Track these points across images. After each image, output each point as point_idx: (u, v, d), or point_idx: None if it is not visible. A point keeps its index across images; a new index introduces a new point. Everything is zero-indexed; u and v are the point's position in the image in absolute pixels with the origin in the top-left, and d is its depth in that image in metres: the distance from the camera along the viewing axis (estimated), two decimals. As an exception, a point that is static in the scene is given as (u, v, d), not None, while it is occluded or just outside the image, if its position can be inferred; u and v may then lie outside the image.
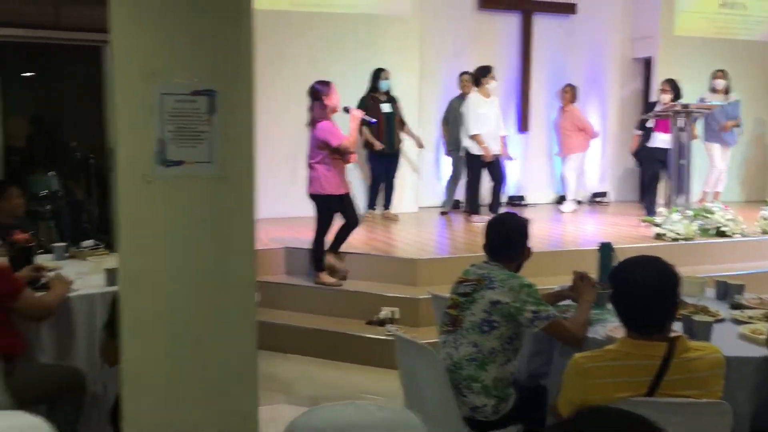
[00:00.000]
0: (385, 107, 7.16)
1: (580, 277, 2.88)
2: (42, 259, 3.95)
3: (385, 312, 4.97)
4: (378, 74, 7.19)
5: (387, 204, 7.52)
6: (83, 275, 3.67)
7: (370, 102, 7.01)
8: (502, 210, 7.25)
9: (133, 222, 2.34)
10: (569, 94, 8.43)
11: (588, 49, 9.56)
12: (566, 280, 3.13)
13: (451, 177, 8.02)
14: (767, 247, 6.75)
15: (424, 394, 2.65)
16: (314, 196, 5.07)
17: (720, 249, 6.62)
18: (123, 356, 2.37)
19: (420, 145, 7.63)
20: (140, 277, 2.35)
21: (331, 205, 5.06)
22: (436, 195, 8.40)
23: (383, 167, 7.34)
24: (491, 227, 2.85)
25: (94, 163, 6.32)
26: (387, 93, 7.23)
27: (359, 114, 5.25)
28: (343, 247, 5.45)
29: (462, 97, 7.71)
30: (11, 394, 2.81)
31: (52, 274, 3.42)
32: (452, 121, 7.78)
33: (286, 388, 4.40)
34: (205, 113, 2.36)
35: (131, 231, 2.34)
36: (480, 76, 7.18)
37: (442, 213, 7.98)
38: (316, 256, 5.22)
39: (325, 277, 5.29)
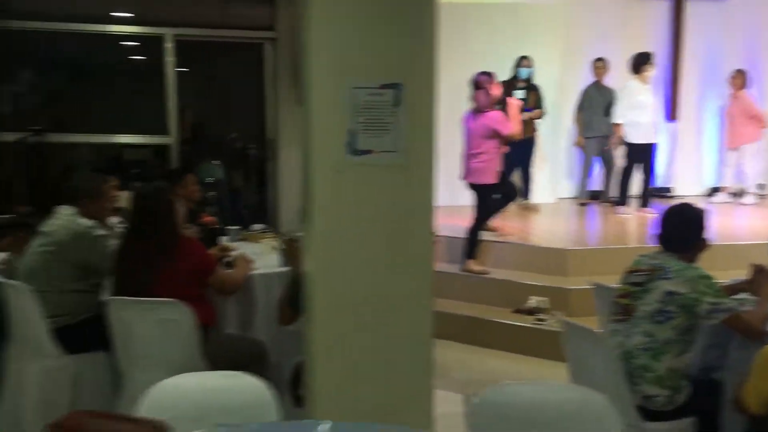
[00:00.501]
0: (518, 94, 6.98)
1: (759, 270, 2.80)
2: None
3: (534, 301, 4.99)
4: (519, 62, 7.15)
5: (525, 193, 7.37)
6: (258, 255, 3.96)
7: (504, 88, 6.94)
8: (653, 202, 7.05)
9: (324, 208, 2.52)
10: (739, 79, 7.94)
11: (746, 35, 9.06)
12: (738, 274, 3.06)
13: (585, 166, 7.87)
14: None
15: (595, 381, 2.68)
16: (477, 186, 5.21)
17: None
18: (312, 333, 2.57)
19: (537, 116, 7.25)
20: (330, 259, 2.53)
21: (492, 192, 5.22)
22: (573, 185, 8.29)
23: (516, 155, 7.01)
24: (668, 217, 2.82)
25: (253, 153, 6.74)
26: (527, 80, 7.10)
27: (517, 102, 5.38)
28: (489, 237, 5.53)
29: (596, 85, 7.59)
30: (207, 360, 3.11)
31: (235, 253, 3.72)
32: (587, 108, 7.63)
33: (438, 372, 4.52)
34: (391, 105, 2.51)
35: (322, 216, 2.52)
36: (640, 63, 6.97)
37: (582, 204, 7.85)
38: (472, 242, 5.33)
39: (474, 265, 5.39)
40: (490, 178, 5.20)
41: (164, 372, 3.03)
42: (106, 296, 3.62)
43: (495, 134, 5.13)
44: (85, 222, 3.47)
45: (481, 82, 5.15)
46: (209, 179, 6.63)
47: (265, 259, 3.91)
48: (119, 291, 3.14)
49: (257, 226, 4.63)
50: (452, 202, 5.70)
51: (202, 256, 3.26)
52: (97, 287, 3.55)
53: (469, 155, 5.24)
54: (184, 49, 5.89)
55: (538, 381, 1.88)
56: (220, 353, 3.18)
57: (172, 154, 5.94)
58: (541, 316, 4.84)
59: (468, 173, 5.25)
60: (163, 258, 3.11)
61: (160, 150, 6.07)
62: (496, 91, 5.14)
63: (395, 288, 2.58)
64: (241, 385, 2.01)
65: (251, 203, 7.03)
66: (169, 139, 5.91)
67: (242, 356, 3.30)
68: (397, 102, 2.51)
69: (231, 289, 3.38)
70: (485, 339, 4.98)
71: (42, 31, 5.63)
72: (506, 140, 5.22)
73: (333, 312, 2.55)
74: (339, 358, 2.58)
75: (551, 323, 4.81)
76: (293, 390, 3.21)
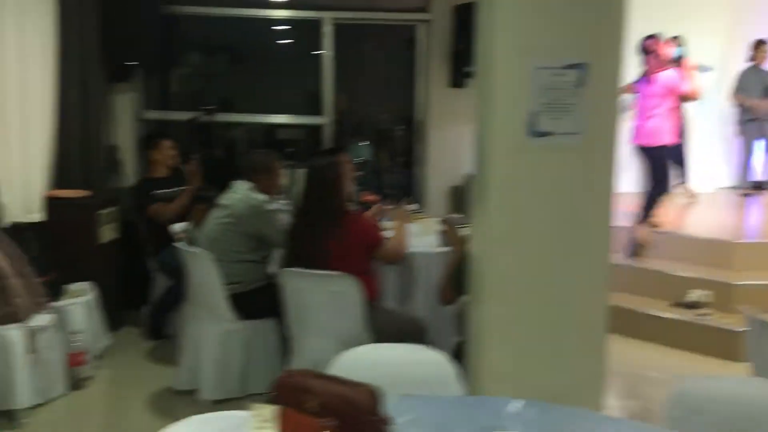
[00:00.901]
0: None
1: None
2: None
3: (695, 295, 4.76)
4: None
5: (683, 177, 6.91)
6: (415, 235, 4.03)
7: None
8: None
9: (500, 189, 2.53)
10: None
11: None
12: None
13: (745, 152, 7.36)
14: None
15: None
16: (650, 149, 5.21)
17: None
18: (480, 314, 2.59)
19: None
20: (506, 239, 2.54)
21: (668, 155, 5.30)
22: (732, 174, 7.80)
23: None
24: None
25: (401, 134, 6.84)
26: (677, 60, 6.63)
27: (691, 62, 5.46)
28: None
29: (755, 68, 7.14)
30: (371, 333, 3.22)
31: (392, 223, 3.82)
32: (743, 91, 7.13)
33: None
34: (574, 86, 2.47)
35: (498, 198, 2.53)
36: None
37: (744, 194, 7.36)
38: (649, 206, 5.27)
39: (643, 231, 5.26)
40: (666, 138, 5.23)
41: (332, 341, 3.20)
42: (273, 267, 3.83)
43: (672, 93, 5.20)
44: (260, 196, 3.67)
45: (648, 46, 5.20)
46: (357, 159, 6.80)
47: (424, 240, 3.98)
48: (292, 262, 3.30)
49: (411, 206, 4.70)
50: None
51: (370, 229, 3.36)
52: (265, 259, 3.76)
53: (644, 117, 5.26)
54: (338, 32, 6.05)
55: (739, 376, 1.78)
56: (384, 327, 3.27)
57: (324, 135, 6.13)
58: (704, 311, 4.62)
59: (641, 135, 5.25)
60: (335, 232, 3.23)
61: (314, 130, 6.29)
62: (666, 51, 5.17)
63: (570, 274, 2.55)
64: (424, 359, 2.07)
65: (397, 183, 7.14)
66: (322, 120, 6.09)
67: (404, 332, 3.37)
68: (581, 82, 2.47)
69: (395, 260, 3.47)
70: (642, 331, 4.81)
71: (206, 16, 5.95)
72: (685, 98, 5.32)
73: (504, 295, 2.56)
74: (508, 341, 2.58)
75: (715, 318, 4.58)
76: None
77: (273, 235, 3.63)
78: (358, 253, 3.29)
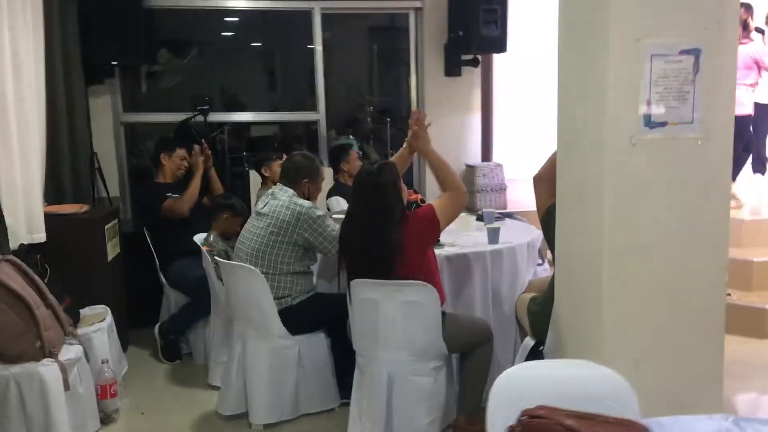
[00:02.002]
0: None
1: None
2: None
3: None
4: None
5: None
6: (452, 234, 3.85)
7: None
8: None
9: (616, 183, 2.38)
10: None
11: None
12: None
13: None
14: None
15: None
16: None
17: None
18: (601, 315, 2.45)
19: None
20: (625, 241, 2.40)
21: (746, 126, 5.49)
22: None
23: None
24: None
25: (390, 127, 6.63)
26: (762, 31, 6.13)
27: None
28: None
29: None
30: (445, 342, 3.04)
31: None
32: None
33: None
34: (690, 73, 2.34)
35: (614, 192, 2.38)
36: None
37: None
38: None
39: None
40: (743, 108, 5.36)
41: (407, 353, 3.01)
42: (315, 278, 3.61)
43: (758, 65, 5.46)
44: (305, 202, 3.42)
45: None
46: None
47: (465, 238, 3.82)
48: (355, 272, 3.08)
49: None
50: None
51: (422, 213, 3.14)
52: (310, 269, 3.53)
53: None
54: (326, 22, 5.79)
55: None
56: (454, 335, 3.10)
57: (320, 131, 5.87)
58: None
59: None
60: (400, 237, 3.02)
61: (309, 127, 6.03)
62: (751, 21, 5.33)
63: (690, 273, 2.44)
64: (593, 375, 1.91)
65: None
66: (317, 116, 5.83)
67: (473, 338, 3.22)
68: (696, 69, 2.34)
69: (463, 197, 3.24)
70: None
71: (187, 10, 5.58)
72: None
73: (625, 300, 2.43)
74: (630, 346, 2.45)
75: (736, 297, 4.61)
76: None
77: (323, 243, 3.39)
78: (424, 250, 3.08)
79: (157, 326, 4.39)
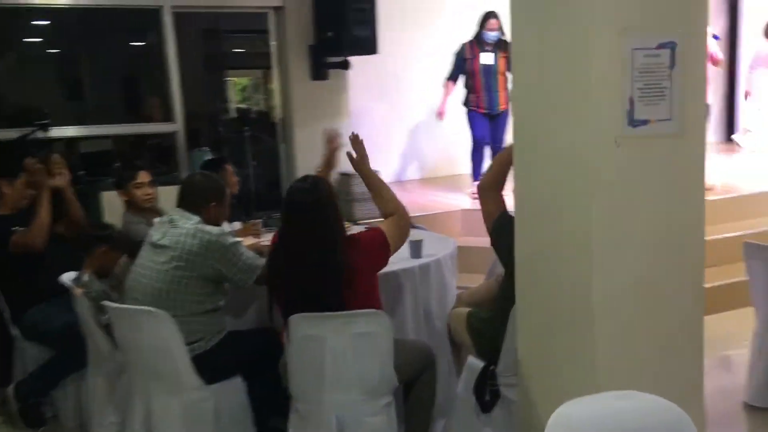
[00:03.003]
0: (486, 58, 5.97)
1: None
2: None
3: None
4: (483, 22, 5.96)
5: None
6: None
7: (467, 52, 6.02)
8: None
9: (602, 188, 2.21)
10: None
11: None
12: None
13: None
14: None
15: None
16: None
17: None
18: (595, 320, 2.27)
19: None
20: (614, 247, 2.23)
21: None
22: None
23: (485, 130, 6.13)
24: None
25: (250, 136, 6.14)
26: (495, 43, 6.01)
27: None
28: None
29: None
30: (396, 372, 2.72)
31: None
32: None
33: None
34: (667, 67, 2.22)
35: (601, 197, 2.21)
36: None
37: None
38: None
39: None
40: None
41: (357, 392, 2.65)
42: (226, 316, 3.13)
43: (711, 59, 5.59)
44: (214, 229, 2.93)
45: None
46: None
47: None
48: (293, 307, 2.66)
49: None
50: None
51: (369, 247, 2.81)
52: (221, 305, 3.04)
53: None
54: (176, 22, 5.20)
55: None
56: (403, 363, 2.79)
57: (178, 143, 5.26)
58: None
59: None
60: (347, 260, 2.66)
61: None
62: None
63: (671, 274, 2.32)
64: (644, 406, 1.70)
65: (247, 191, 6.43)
66: (175, 127, 5.23)
67: (418, 364, 2.93)
68: (673, 63, 2.23)
69: (407, 225, 3.02)
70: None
71: (21, 8, 4.74)
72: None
73: (616, 309, 2.26)
74: (621, 355, 2.30)
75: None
76: (480, 394, 2.90)
77: (237, 274, 2.93)
78: (373, 276, 2.76)
79: (11, 387, 3.62)
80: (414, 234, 3.72)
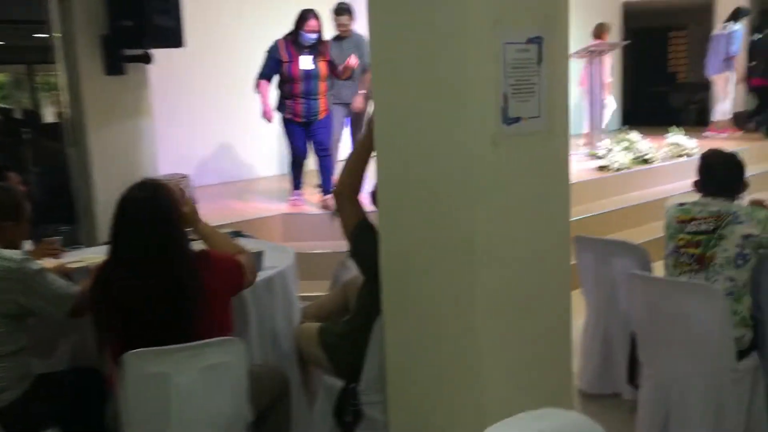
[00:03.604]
0: (305, 62, 5.42)
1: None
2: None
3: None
4: (301, 21, 5.37)
5: (324, 186, 5.76)
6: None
7: (282, 53, 5.39)
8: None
9: (483, 188, 2.08)
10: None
11: None
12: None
13: None
14: (681, 169, 7.58)
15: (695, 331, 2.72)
16: None
17: (645, 175, 7.32)
18: (474, 333, 2.14)
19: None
20: (494, 245, 2.11)
21: None
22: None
23: (303, 139, 5.61)
24: (712, 163, 2.93)
25: (29, 137, 5.34)
26: (314, 45, 5.49)
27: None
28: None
29: None
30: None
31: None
32: None
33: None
34: (535, 63, 2.15)
35: (482, 198, 2.08)
36: None
37: None
38: None
39: None
40: None
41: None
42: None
43: None
44: (14, 254, 2.40)
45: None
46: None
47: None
48: (128, 340, 2.24)
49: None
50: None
51: (224, 265, 2.47)
52: (23, 344, 2.51)
53: None
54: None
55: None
56: (257, 393, 2.49)
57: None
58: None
59: None
60: (197, 281, 2.30)
61: None
62: None
63: (543, 272, 2.27)
64: (564, 423, 1.58)
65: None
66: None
67: (272, 392, 2.64)
68: (540, 59, 2.16)
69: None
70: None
71: None
72: None
73: (497, 311, 2.15)
74: (503, 357, 2.19)
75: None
76: (341, 415, 2.68)
77: (46, 307, 2.43)
78: (224, 303, 2.42)
79: None
80: (248, 244, 3.41)
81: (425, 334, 2.29)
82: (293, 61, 5.35)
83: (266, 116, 5.52)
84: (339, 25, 6.00)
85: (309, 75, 5.39)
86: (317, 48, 5.43)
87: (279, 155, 7.29)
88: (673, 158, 7.68)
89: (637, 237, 5.39)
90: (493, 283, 2.14)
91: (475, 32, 2.01)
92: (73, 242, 4.57)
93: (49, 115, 7.66)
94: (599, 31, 8.55)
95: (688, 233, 2.85)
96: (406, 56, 2.17)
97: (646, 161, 7.42)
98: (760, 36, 9.60)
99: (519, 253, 2.19)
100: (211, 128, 6.80)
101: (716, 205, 2.85)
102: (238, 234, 3.77)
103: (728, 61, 9.21)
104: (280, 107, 5.53)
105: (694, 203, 2.91)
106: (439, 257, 2.18)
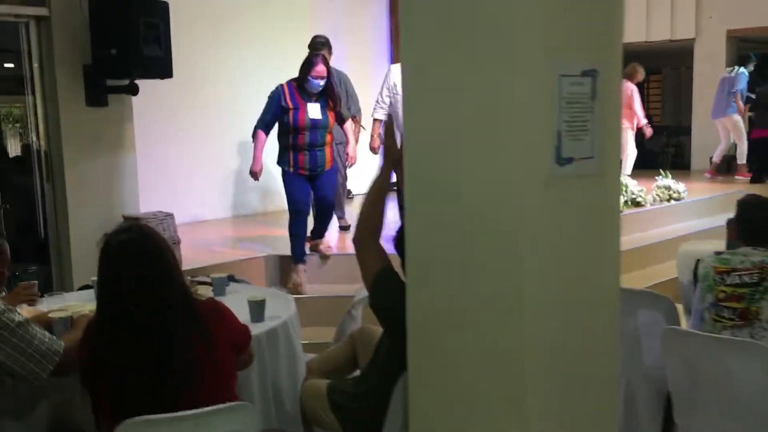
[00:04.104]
0: (314, 111, 4.91)
1: None
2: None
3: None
4: (308, 66, 4.88)
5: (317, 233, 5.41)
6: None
7: (287, 100, 4.88)
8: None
9: (532, 236, 1.86)
10: None
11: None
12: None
13: None
14: (673, 213, 7.48)
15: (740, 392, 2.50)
16: None
17: (638, 219, 7.19)
18: (528, 384, 1.89)
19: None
20: (543, 299, 1.88)
21: None
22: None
23: (306, 192, 5.07)
24: (751, 211, 2.75)
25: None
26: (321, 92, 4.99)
27: None
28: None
29: None
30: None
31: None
32: None
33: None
34: (589, 98, 1.95)
35: (531, 245, 1.86)
36: None
37: None
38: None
39: None
40: None
41: None
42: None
43: None
44: (-10, 303, 2.09)
45: None
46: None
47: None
48: (122, 406, 1.94)
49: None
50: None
51: (234, 320, 2.22)
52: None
53: None
54: None
55: None
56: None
57: None
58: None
59: None
60: (191, 337, 2.02)
61: None
62: None
63: (590, 333, 2.03)
64: None
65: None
66: None
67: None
68: (594, 93, 1.96)
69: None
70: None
71: None
72: None
73: (546, 355, 1.91)
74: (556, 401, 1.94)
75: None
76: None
77: (28, 365, 2.12)
78: (230, 365, 2.13)
79: None
80: (246, 291, 3.14)
81: (461, 397, 2.03)
82: (299, 108, 4.82)
83: (254, 175, 4.99)
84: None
85: (316, 125, 4.85)
86: (326, 95, 4.94)
87: (262, 193, 7.05)
88: (662, 201, 7.60)
89: (640, 282, 5.22)
90: (544, 339, 1.90)
91: (525, 62, 1.80)
92: (45, 285, 4.23)
93: (18, 148, 7.36)
94: (632, 72, 8.46)
95: (729, 285, 2.66)
96: (446, 88, 1.95)
97: (637, 204, 7.32)
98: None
99: (570, 306, 1.96)
100: (194, 163, 6.53)
101: (759, 255, 2.66)
102: (231, 279, 3.49)
103: (731, 97, 9.13)
104: (281, 161, 4.97)
105: (733, 253, 2.73)
106: (482, 310, 1.93)
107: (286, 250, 5.04)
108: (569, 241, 1.95)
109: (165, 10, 4.39)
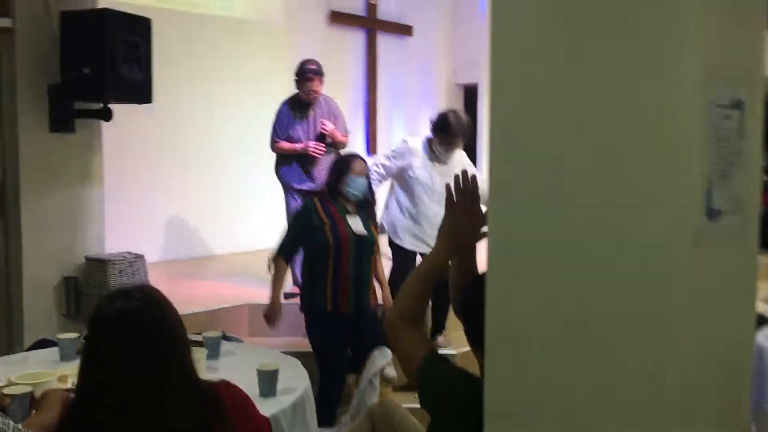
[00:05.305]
0: (356, 224, 3.91)
1: None
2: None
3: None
4: (349, 162, 3.99)
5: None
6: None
7: (312, 214, 3.90)
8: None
9: (677, 308, 1.44)
10: None
11: (419, 73, 9.71)
12: None
13: None
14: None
15: None
16: None
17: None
18: None
19: None
20: (690, 396, 1.47)
21: None
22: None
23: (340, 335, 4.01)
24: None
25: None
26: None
27: None
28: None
29: None
30: None
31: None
32: None
33: None
34: (737, 136, 1.56)
35: (677, 323, 1.44)
36: None
37: None
38: None
39: None
40: None
41: None
42: None
43: None
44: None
45: None
46: None
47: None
48: None
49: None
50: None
51: (255, 414, 1.74)
52: None
53: None
54: None
55: None
56: None
57: None
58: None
59: None
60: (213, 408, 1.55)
61: None
62: None
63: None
64: None
65: None
66: None
67: None
68: (742, 130, 1.58)
69: None
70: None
71: None
72: None
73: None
74: None
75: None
76: None
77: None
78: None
79: None
80: (243, 353, 2.67)
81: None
82: (336, 222, 3.79)
83: (270, 319, 3.87)
84: (311, 92, 5.29)
85: (362, 243, 3.79)
86: (365, 202, 3.94)
87: (241, 231, 6.54)
88: None
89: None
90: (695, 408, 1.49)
91: (688, 87, 1.41)
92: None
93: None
94: None
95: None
96: (582, 122, 1.52)
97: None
98: None
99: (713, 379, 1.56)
100: (166, 199, 5.97)
101: None
102: (224, 337, 2.98)
103: None
104: (311, 299, 3.88)
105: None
106: (611, 410, 1.50)
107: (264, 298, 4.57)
108: (715, 315, 1.55)
109: (147, 27, 3.91)
